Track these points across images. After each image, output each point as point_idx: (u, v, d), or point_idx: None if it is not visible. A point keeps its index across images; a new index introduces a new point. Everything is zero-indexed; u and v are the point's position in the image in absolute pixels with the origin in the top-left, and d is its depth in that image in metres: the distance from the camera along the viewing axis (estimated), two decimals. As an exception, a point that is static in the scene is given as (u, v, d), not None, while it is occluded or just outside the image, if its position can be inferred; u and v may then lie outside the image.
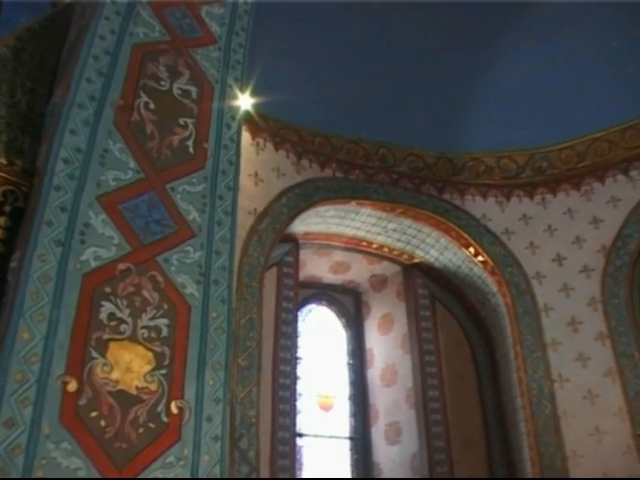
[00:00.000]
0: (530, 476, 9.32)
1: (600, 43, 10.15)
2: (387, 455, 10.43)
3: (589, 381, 9.58)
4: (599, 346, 9.77)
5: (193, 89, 5.33)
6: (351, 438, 10.77)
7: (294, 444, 9.06)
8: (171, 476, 3.80)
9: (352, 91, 10.29)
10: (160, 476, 3.76)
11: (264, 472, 7.96)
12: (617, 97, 10.40)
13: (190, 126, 5.12)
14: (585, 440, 9.21)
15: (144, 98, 4.92)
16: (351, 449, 10.68)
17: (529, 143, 11.06)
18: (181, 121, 5.09)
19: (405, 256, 11.35)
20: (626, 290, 9.98)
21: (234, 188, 5.23)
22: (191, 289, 4.44)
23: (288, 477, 8.68)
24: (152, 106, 4.95)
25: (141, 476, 3.71)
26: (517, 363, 9.98)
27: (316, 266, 11.30)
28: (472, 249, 10.77)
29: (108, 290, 4.07)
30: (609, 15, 9.94)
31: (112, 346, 3.95)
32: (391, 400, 10.74)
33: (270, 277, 9.59)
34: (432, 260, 11.34)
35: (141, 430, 3.82)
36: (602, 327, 9.87)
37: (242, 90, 8.51)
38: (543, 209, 10.97)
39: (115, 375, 3.88)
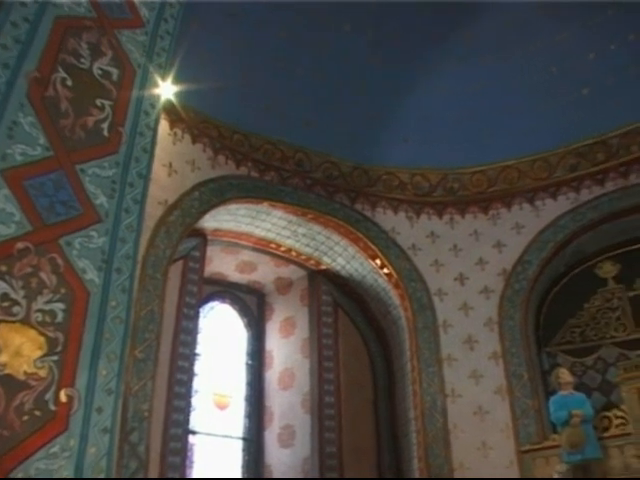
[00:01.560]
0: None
1: (522, 76, 10.53)
2: (279, 458, 10.40)
3: (480, 398, 9.89)
4: (492, 365, 10.09)
5: (114, 71, 5.19)
6: (244, 439, 10.66)
7: (186, 441, 8.86)
8: (54, 467, 3.65)
9: (276, 93, 10.24)
10: (42, 467, 3.61)
11: (153, 468, 7.76)
12: (530, 129, 10.82)
13: (107, 108, 4.98)
14: (472, 454, 9.49)
15: (62, 74, 4.74)
16: (244, 450, 10.58)
17: (443, 163, 11.32)
18: (98, 102, 4.94)
19: (312, 261, 11.38)
20: (521, 313, 10.38)
21: (146, 176, 5.10)
22: (92, 275, 4.31)
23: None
24: (69, 83, 4.77)
25: (22, 467, 3.54)
26: (413, 376, 10.18)
27: (223, 263, 11.17)
28: (378, 261, 10.91)
29: (3, 269, 3.89)
30: (534, 51, 10.32)
31: (2, 328, 3.77)
32: (287, 403, 10.72)
33: (175, 270, 9.39)
34: (338, 268, 11.41)
35: (26, 418, 3.66)
36: (496, 347, 10.21)
37: (164, 78, 8.35)
38: (451, 229, 11.25)
39: (3, 358, 3.71)
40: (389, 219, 11.21)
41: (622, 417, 8.64)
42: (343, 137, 10.95)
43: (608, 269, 10.67)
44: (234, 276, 11.49)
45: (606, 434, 8.64)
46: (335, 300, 11.43)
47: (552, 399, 9.12)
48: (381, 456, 10.54)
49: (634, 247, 10.55)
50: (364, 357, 11.30)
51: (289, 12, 9.51)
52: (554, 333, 10.65)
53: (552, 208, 10.84)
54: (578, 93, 10.48)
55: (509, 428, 9.54)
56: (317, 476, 9.75)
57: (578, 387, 9.60)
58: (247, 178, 10.16)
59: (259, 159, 10.40)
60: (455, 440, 9.58)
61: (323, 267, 11.43)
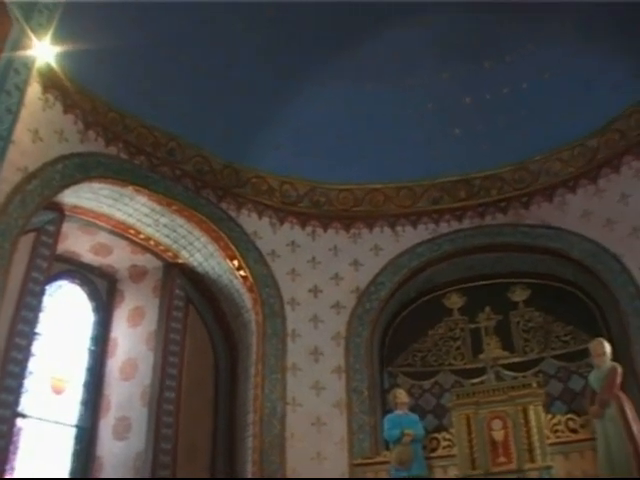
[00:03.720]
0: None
1: (400, 106, 10.97)
2: (111, 449, 9.98)
3: (320, 409, 10.10)
4: (335, 378, 10.36)
5: (-14, 18, 4.81)
6: (77, 426, 10.15)
7: (13, 424, 8.32)
8: None
9: (158, 77, 9.98)
10: None
11: (-27, 451, 7.23)
12: (401, 157, 11.29)
13: (-29, 59, 4.59)
14: (306, 463, 9.65)
15: None
16: (75, 438, 10.05)
17: (314, 176, 11.51)
18: (-38, 50, 4.55)
19: (170, 253, 11.13)
20: (369, 332, 10.76)
21: (6, 139, 4.72)
22: None
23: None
24: None
25: None
26: (256, 380, 10.19)
27: (77, 242, 10.63)
28: (236, 262, 10.87)
29: None
30: (415, 84, 10.79)
31: None
32: (126, 394, 10.32)
33: (25, 243, 8.84)
34: (195, 264, 11.24)
35: None
36: (341, 362, 10.50)
37: (43, 38, 7.91)
38: (312, 240, 11.44)
39: None
40: (253, 222, 11.21)
41: (449, 440, 9.18)
42: (219, 134, 10.85)
43: (455, 300, 11.29)
44: (87, 257, 10.97)
45: (433, 454, 9.20)
46: (188, 295, 11.23)
47: (387, 417, 9.50)
48: (216, 457, 10.42)
49: (480, 283, 11.28)
50: (209, 356, 11.16)
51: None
52: (397, 354, 11.15)
53: (411, 236, 11.33)
54: (450, 132, 11.05)
55: (344, 441, 9.83)
56: (149, 472, 9.44)
57: (414, 408, 10.08)
58: (115, 158, 9.80)
59: (131, 141, 10.07)
60: (290, 448, 9.70)
61: (180, 261, 11.21)
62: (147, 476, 9.47)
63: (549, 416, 8.87)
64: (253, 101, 10.75)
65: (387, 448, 9.43)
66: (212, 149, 10.95)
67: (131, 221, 10.60)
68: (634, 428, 7.71)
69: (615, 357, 8.51)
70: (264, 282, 10.88)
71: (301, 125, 11.13)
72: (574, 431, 8.71)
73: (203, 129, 10.71)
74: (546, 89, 10.24)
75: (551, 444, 8.47)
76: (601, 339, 8.66)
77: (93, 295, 11.12)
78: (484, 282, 11.23)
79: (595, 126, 10.24)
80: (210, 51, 10.08)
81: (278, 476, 9.41)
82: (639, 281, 9.52)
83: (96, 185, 9.66)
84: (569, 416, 8.93)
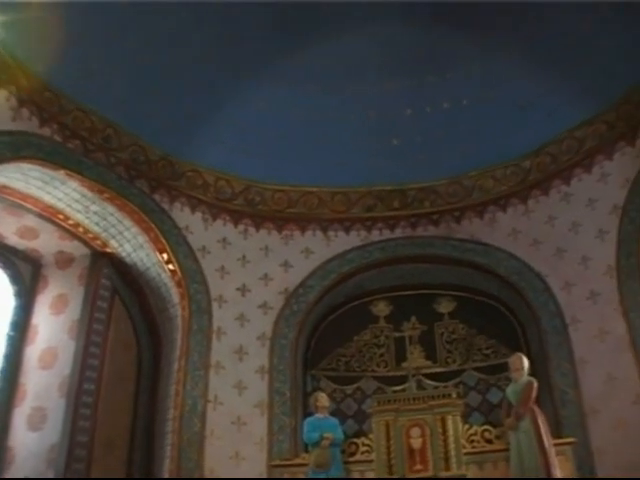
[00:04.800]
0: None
1: (342, 112, 11.06)
2: (24, 441, 9.62)
3: (241, 409, 10.11)
4: (258, 379, 10.40)
5: None
6: (-11, 415, 9.81)
7: None
8: None
9: (101, 61, 9.70)
10: None
11: None
12: (338, 163, 11.38)
13: None
14: (224, 462, 9.63)
15: None
16: (-12, 427, 9.72)
17: (250, 174, 11.47)
18: None
19: (99, 242, 10.87)
20: (295, 334, 10.86)
21: None
22: None
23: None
24: None
25: None
26: (178, 376, 10.09)
27: (2, 224, 10.20)
28: (166, 255, 10.74)
29: None
30: (358, 92, 10.89)
31: None
32: (44, 384, 9.98)
33: (-53, 221, 8.55)
34: (124, 254, 11.02)
35: None
36: (265, 362, 10.55)
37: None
38: (243, 239, 11.40)
39: None
40: (185, 216, 11.08)
41: (368, 445, 9.32)
42: (159, 125, 10.65)
43: (381, 308, 11.48)
44: (12, 239, 10.57)
45: (352, 459, 9.31)
46: (114, 286, 10.98)
47: (307, 420, 9.55)
48: (133, 452, 10.18)
49: (407, 293, 11.50)
50: (132, 349, 10.92)
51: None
52: (322, 358, 11.28)
53: (343, 241, 11.46)
54: (388, 141, 11.22)
55: (264, 442, 9.88)
56: (62, 465, 9.11)
57: (335, 412, 10.20)
58: (49, 140, 9.50)
59: (66, 124, 9.76)
60: (210, 446, 9.65)
61: (108, 250, 10.94)
62: (61, 468, 9.19)
63: (466, 426, 9.14)
64: (196, 96, 10.61)
65: (306, 450, 9.47)
66: (150, 139, 10.74)
67: (60, 206, 10.29)
68: (546, 441, 7.97)
69: (532, 372, 8.78)
70: (192, 278, 10.79)
71: (244, 123, 11.06)
72: (489, 442, 8.98)
73: (142, 119, 10.48)
74: (486, 107, 10.54)
75: (467, 453, 8.73)
76: (520, 354, 8.91)
77: (15, 279, 10.72)
78: (411, 292, 11.48)
79: (529, 148, 10.63)
80: (156, 42, 9.87)
81: (195, 474, 9.33)
82: (560, 300, 9.93)
83: (26, 166, 9.35)
84: (485, 427, 9.20)
